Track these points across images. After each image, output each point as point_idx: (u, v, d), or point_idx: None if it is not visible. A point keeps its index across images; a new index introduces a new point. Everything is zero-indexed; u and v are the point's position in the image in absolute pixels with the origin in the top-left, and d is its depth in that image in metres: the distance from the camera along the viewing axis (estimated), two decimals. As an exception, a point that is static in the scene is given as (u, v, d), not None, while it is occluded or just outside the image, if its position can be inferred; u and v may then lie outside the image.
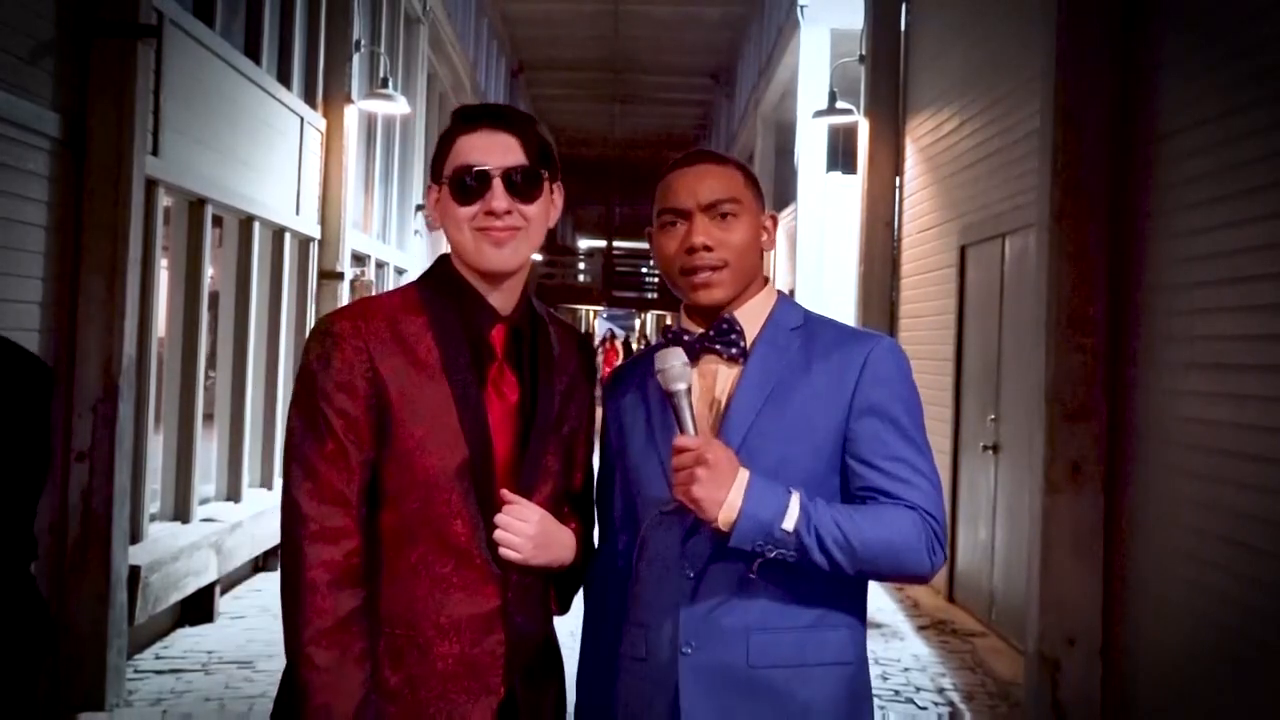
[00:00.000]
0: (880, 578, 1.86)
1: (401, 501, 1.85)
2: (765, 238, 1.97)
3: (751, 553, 1.78)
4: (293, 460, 1.84)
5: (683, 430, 1.81)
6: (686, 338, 1.93)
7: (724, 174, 1.94)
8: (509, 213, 1.89)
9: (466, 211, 1.89)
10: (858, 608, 1.93)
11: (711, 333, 1.92)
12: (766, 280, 2.01)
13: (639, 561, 1.96)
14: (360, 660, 1.78)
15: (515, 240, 1.90)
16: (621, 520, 2.03)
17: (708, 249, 1.89)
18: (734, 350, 1.91)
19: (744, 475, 1.77)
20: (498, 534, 1.86)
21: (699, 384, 1.92)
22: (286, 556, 1.82)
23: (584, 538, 2.02)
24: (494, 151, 1.90)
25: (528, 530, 1.87)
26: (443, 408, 1.85)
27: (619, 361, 27.99)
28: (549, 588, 2.00)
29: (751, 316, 1.95)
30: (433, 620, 1.85)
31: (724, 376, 1.92)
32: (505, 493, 1.88)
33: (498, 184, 1.88)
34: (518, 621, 1.90)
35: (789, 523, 1.75)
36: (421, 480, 1.84)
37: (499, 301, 1.94)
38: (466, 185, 1.89)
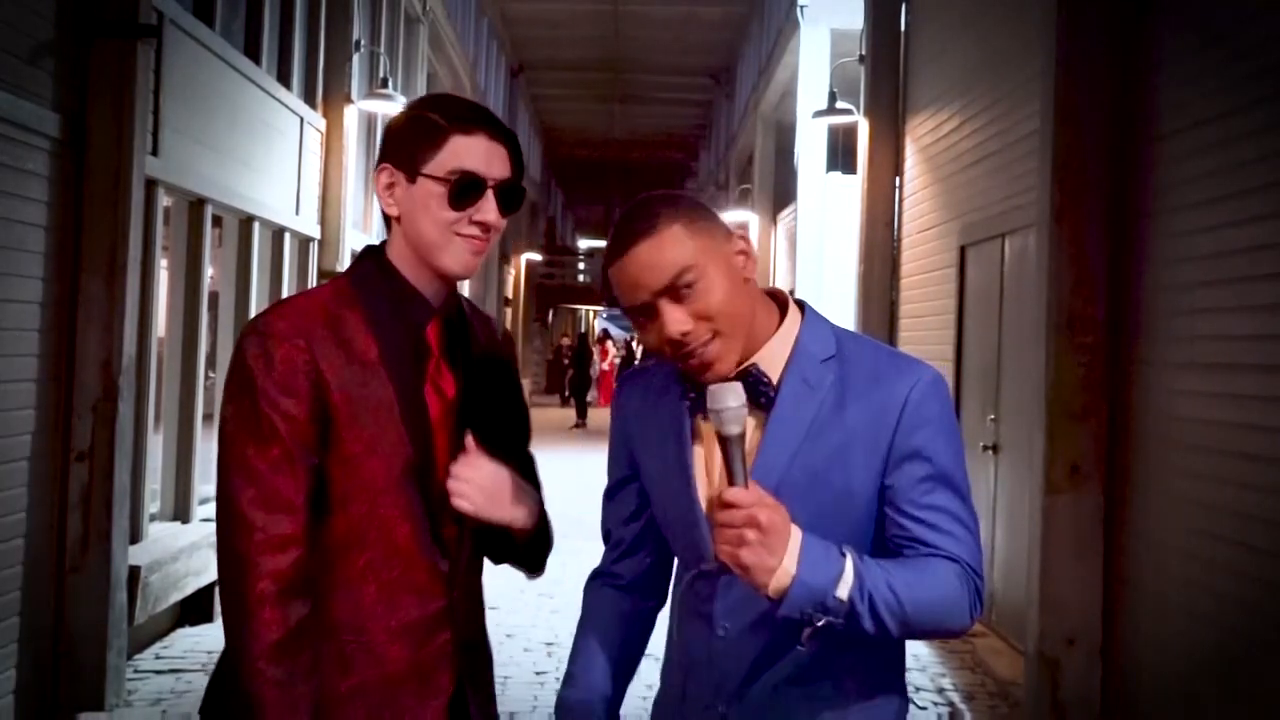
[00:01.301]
0: (917, 637, 1.70)
1: (348, 506, 1.81)
2: (744, 263, 1.74)
3: (800, 621, 1.60)
4: (233, 466, 1.76)
5: (733, 481, 1.62)
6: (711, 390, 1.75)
7: (661, 244, 1.67)
8: (495, 227, 1.89)
9: (453, 215, 1.86)
10: (898, 667, 1.84)
11: None
12: (784, 305, 1.82)
13: (676, 602, 1.89)
14: (309, 673, 1.75)
15: (486, 249, 1.91)
16: (638, 537, 1.95)
17: (686, 334, 1.69)
18: (762, 400, 1.74)
19: (797, 537, 1.60)
20: (450, 483, 1.84)
21: None
22: (230, 568, 1.75)
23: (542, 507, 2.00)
24: (493, 162, 1.88)
25: (478, 479, 1.84)
26: (386, 409, 1.81)
27: (609, 360, 28.12)
28: (482, 589, 2.00)
29: (774, 356, 1.77)
30: (383, 624, 1.83)
31: (752, 423, 1.75)
32: (468, 440, 1.85)
33: (491, 195, 1.87)
34: (462, 620, 1.91)
35: (843, 590, 1.59)
36: (369, 484, 1.81)
37: (433, 296, 1.92)
38: (461, 191, 1.85)
